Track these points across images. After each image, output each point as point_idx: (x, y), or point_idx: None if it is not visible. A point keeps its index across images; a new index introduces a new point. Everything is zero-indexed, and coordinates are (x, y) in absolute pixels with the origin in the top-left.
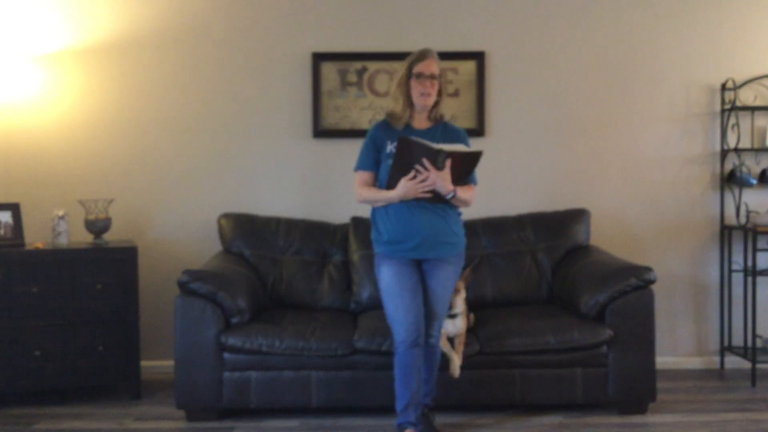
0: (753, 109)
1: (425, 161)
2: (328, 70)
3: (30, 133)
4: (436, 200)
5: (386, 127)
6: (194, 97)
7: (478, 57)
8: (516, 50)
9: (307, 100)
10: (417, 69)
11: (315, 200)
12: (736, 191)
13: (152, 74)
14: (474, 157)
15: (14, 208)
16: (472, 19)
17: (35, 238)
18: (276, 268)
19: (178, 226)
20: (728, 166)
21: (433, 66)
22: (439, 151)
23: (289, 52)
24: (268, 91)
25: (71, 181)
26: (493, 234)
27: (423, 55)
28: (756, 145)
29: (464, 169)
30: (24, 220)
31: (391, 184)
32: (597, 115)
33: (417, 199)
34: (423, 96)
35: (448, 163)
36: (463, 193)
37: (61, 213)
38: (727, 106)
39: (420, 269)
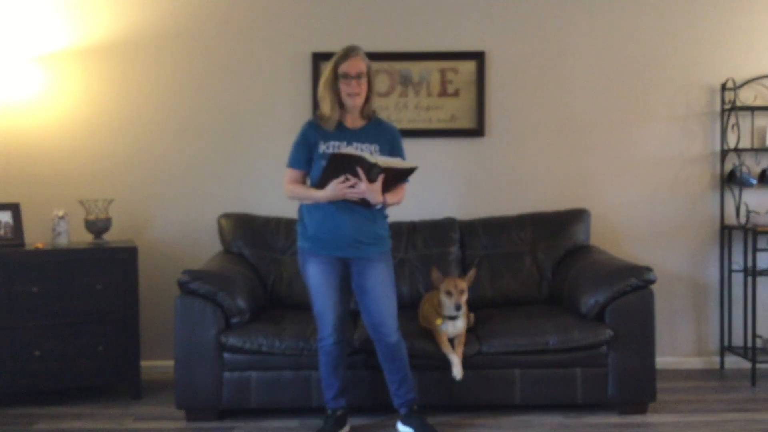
0: (753, 109)
1: (359, 171)
2: None
3: (30, 133)
4: (364, 205)
5: (319, 126)
6: (194, 97)
7: (478, 57)
8: (516, 50)
9: (307, 101)
10: (342, 69)
11: None
12: (736, 191)
13: (152, 74)
14: (409, 172)
15: (14, 208)
16: (472, 19)
17: (35, 238)
18: (276, 268)
19: (178, 226)
20: (728, 166)
21: (359, 64)
22: (374, 165)
23: (289, 52)
24: (268, 91)
25: (71, 181)
26: (493, 234)
27: (347, 54)
28: (756, 145)
29: (398, 180)
30: (24, 220)
31: (321, 187)
32: (597, 115)
33: (345, 201)
34: (351, 96)
35: (381, 177)
36: (393, 197)
37: (61, 213)
38: (727, 106)
39: (348, 271)
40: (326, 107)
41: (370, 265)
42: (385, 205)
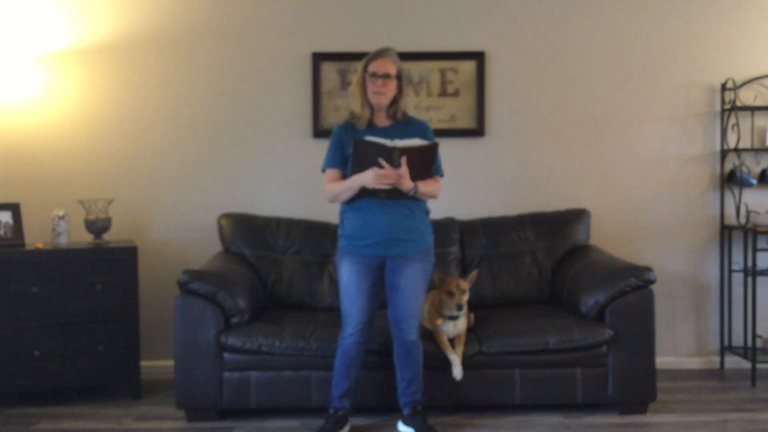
0: (753, 109)
1: (382, 161)
2: (328, 70)
3: (30, 133)
4: (396, 196)
5: (350, 126)
6: (194, 97)
7: (478, 57)
8: (516, 50)
9: (307, 100)
10: (371, 68)
11: (315, 200)
12: (736, 191)
13: (152, 74)
14: (430, 150)
15: (14, 208)
16: (472, 19)
17: (35, 238)
18: (276, 268)
19: (178, 226)
20: (728, 166)
21: (387, 65)
22: (393, 149)
23: (289, 52)
24: (268, 91)
25: (71, 181)
26: (493, 234)
27: (379, 53)
28: (756, 145)
29: (424, 163)
30: (24, 220)
31: None
32: (597, 115)
33: (377, 196)
34: (376, 95)
35: (404, 159)
36: (425, 186)
37: (61, 213)
38: (727, 106)
39: (382, 270)
40: (357, 105)
41: (406, 264)
42: (417, 192)
